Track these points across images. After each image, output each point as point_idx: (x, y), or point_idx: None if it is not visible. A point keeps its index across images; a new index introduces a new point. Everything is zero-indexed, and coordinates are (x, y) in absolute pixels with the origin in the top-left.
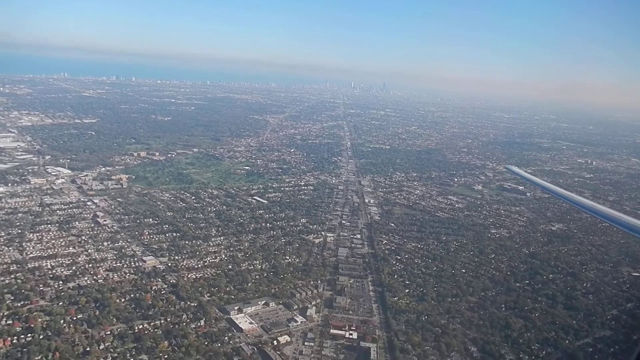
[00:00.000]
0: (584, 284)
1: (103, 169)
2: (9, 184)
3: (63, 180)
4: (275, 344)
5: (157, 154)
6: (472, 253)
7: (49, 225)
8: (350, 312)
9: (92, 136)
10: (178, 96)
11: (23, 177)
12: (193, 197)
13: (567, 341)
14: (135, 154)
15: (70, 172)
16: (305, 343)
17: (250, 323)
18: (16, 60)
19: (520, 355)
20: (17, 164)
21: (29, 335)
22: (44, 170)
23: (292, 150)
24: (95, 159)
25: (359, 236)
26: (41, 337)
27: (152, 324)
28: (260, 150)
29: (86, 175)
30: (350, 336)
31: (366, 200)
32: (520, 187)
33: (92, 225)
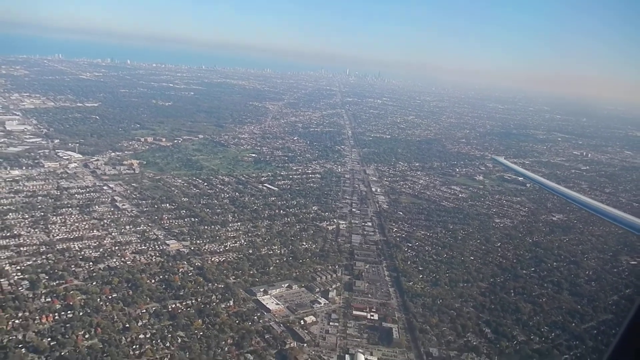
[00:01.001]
0: (586, 272)
1: (113, 153)
2: (23, 167)
3: (75, 164)
4: (302, 323)
5: (163, 139)
6: (478, 241)
7: (70, 209)
8: (369, 295)
9: (96, 120)
10: (175, 81)
11: (36, 161)
12: (205, 184)
13: (573, 324)
14: (143, 140)
15: (81, 156)
16: (330, 323)
17: (277, 304)
18: (8, 40)
19: (531, 337)
20: (27, 147)
21: (69, 312)
22: (55, 154)
23: (295, 138)
24: (104, 143)
25: (370, 224)
26: (81, 314)
27: (183, 303)
28: (264, 137)
29: (97, 160)
30: (372, 317)
31: (373, 189)
32: (520, 178)
33: (112, 209)
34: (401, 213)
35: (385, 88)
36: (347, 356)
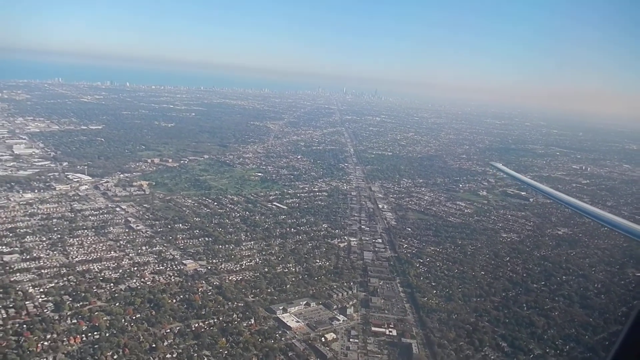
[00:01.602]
0: (595, 285)
1: (121, 175)
2: (35, 190)
3: (86, 186)
4: (323, 340)
5: (170, 160)
6: (488, 256)
7: (86, 231)
8: (386, 311)
9: (102, 143)
10: (176, 102)
11: (47, 184)
12: (215, 203)
13: (586, 336)
14: (150, 161)
15: (90, 178)
16: (350, 340)
17: (297, 322)
18: (7, 65)
19: (547, 350)
20: (37, 170)
21: (95, 333)
22: (64, 177)
23: (298, 156)
24: (112, 165)
25: (380, 240)
26: (107, 334)
27: (206, 322)
28: (268, 156)
29: (107, 182)
30: (390, 333)
31: (380, 206)
32: (523, 193)
33: (127, 230)
34: (410, 229)
35: (382, 106)
36: None
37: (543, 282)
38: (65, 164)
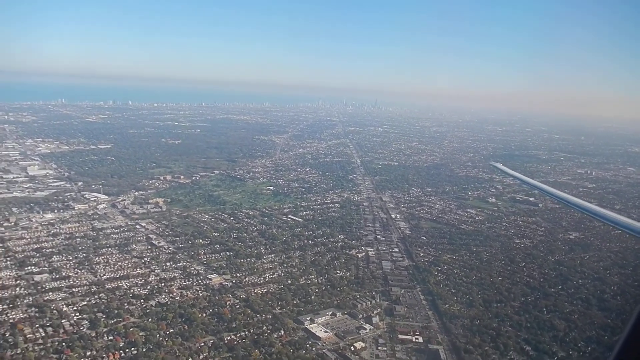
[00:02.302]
0: (611, 287)
1: (136, 193)
2: (55, 211)
3: (104, 205)
4: (353, 349)
5: (182, 177)
6: (503, 262)
7: (110, 249)
8: (410, 319)
9: (113, 161)
10: (179, 119)
11: (65, 204)
12: (231, 218)
13: (606, 337)
14: (162, 178)
15: (106, 197)
16: (379, 348)
17: (325, 332)
18: (8, 87)
19: (570, 352)
20: (53, 191)
21: (132, 349)
22: (81, 197)
23: (307, 169)
24: (125, 183)
25: (397, 250)
26: (144, 350)
27: (238, 335)
28: (277, 170)
29: (124, 200)
30: (417, 340)
31: (392, 216)
32: (532, 199)
33: (149, 247)
34: (424, 238)
35: (383, 116)
36: None
37: (560, 286)
38: (80, 183)
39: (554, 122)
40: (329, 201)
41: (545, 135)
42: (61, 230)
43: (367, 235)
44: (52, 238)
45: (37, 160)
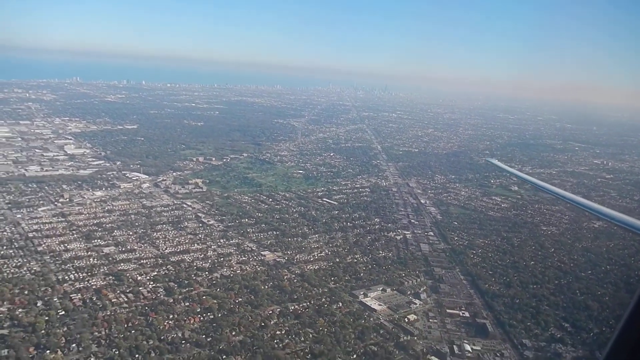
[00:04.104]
0: (637, 273)
1: (174, 173)
2: (103, 189)
3: (147, 184)
4: (407, 321)
5: (213, 159)
6: (534, 248)
7: (164, 225)
8: (454, 296)
9: (143, 142)
10: (195, 100)
11: (110, 182)
12: (270, 200)
13: None
14: (195, 159)
15: (147, 177)
16: (430, 320)
17: (379, 305)
18: (20, 65)
19: (603, 329)
20: (95, 169)
21: (209, 314)
22: (123, 176)
23: (331, 154)
24: (161, 164)
25: (431, 233)
26: (219, 315)
27: (301, 305)
28: (302, 154)
29: (164, 180)
30: (464, 315)
31: (422, 201)
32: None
33: (200, 225)
34: (456, 223)
35: (394, 101)
36: (454, 346)
37: (590, 271)
38: (118, 163)
39: (564, 111)
40: (358, 186)
41: (558, 124)
42: (114, 207)
43: (401, 219)
44: (108, 214)
45: (70, 139)
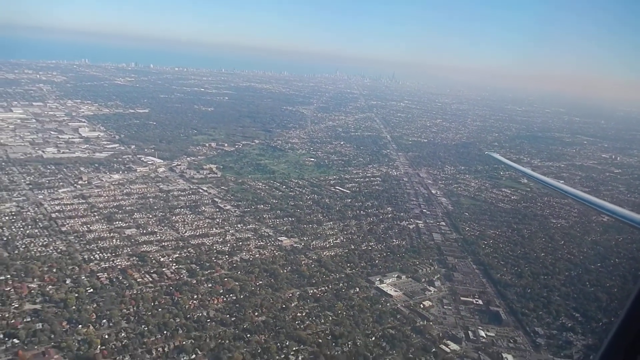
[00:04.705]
0: None
1: (188, 158)
2: (119, 172)
3: (162, 168)
4: (422, 307)
5: (225, 145)
6: (544, 240)
7: (182, 209)
8: (467, 284)
9: (156, 126)
10: (204, 85)
11: (127, 166)
12: (284, 186)
13: None
14: (207, 145)
15: (162, 161)
16: (444, 307)
17: (395, 291)
18: (27, 44)
19: (612, 320)
20: (111, 153)
21: (231, 295)
22: (138, 160)
23: (341, 142)
24: (175, 149)
25: (443, 223)
26: (241, 297)
27: (319, 289)
28: (313, 142)
29: (179, 165)
30: (477, 302)
31: (432, 192)
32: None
33: (217, 209)
34: (467, 214)
35: (401, 90)
36: (469, 332)
37: (599, 264)
38: (133, 147)
39: (571, 104)
40: (369, 175)
41: (565, 117)
42: (132, 190)
43: (413, 209)
44: (127, 197)
45: (84, 121)
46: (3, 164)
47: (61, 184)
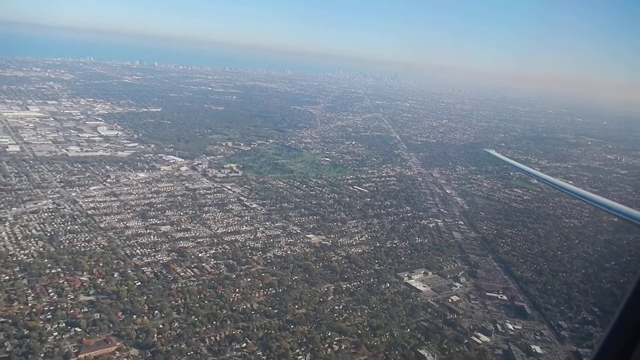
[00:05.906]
0: None
1: (207, 157)
2: (144, 170)
3: (185, 167)
4: (451, 301)
5: (242, 144)
6: (559, 239)
7: (211, 207)
8: (490, 281)
9: (171, 126)
10: (211, 84)
11: (150, 165)
12: (304, 186)
13: None
14: (224, 144)
15: (183, 160)
16: (471, 301)
17: (424, 286)
18: (31, 42)
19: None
20: (133, 151)
21: (270, 289)
22: (160, 158)
23: (353, 142)
24: (194, 148)
25: (462, 222)
26: (280, 290)
27: (352, 284)
28: (325, 142)
29: (200, 164)
30: (502, 297)
31: (447, 192)
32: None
33: (244, 208)
34: (483, 213)
35: (404, 90)
36: (497, 325)
37: (613, 262)
38: (152, 145)
39: (573, 105)
40: (385, 175)
41: (568, 118)
42: (160, 189)
43: (430, 208)
44: (156, 195)
45: (100, 120)
46: (31, 162)
47: (90, 181)
